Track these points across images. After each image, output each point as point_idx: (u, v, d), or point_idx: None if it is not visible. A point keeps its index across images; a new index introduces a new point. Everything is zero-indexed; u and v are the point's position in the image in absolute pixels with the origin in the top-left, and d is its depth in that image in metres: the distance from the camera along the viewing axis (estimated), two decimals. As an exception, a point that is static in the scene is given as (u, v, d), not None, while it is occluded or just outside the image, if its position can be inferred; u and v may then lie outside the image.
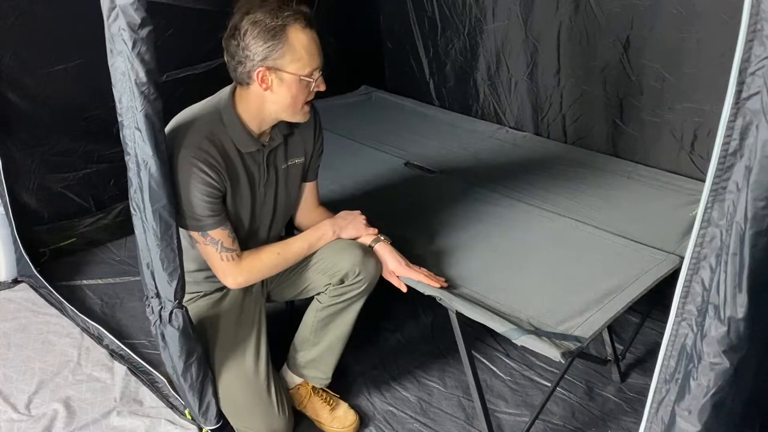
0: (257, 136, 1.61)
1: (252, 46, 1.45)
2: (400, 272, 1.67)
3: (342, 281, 1.71)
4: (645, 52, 2.31)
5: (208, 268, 1.68)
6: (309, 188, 1.83)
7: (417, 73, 3.24)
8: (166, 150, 1.44)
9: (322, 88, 1.56)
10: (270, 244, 1.71)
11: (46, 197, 2.57)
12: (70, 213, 2.67)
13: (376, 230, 1.75)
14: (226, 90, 1.60)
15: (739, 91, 0.89)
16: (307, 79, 1.51)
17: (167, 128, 1.51)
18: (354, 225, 1.74)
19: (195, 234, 1.57)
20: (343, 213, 1.77)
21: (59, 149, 2.56)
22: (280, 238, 1.82)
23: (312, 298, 1.83)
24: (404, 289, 1.67)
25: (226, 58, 1.52)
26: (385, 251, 1.71)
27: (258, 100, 1.54)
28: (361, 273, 1.69)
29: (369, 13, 3.37)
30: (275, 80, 1.49)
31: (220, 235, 1.57)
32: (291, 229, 1.98)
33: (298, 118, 1.59)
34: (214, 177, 1.52)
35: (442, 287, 1.62)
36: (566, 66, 2.57)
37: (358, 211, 1.77)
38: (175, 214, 1.48)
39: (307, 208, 1.84)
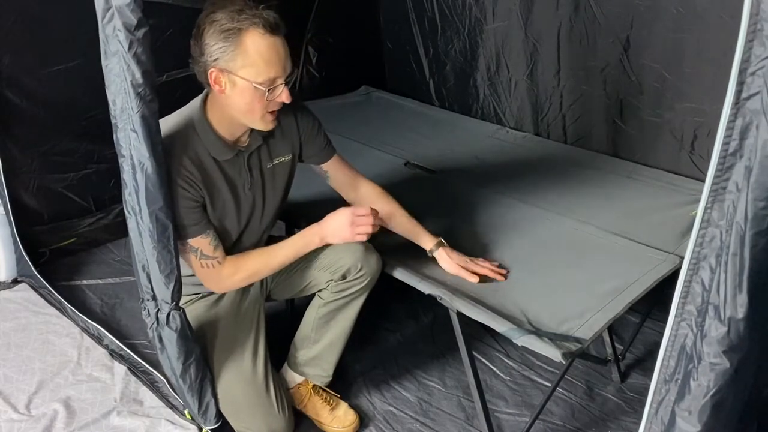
0: (232, 143, 1.59)
1: (206, 46, 1.42)
2: (468, 266, 1.68)
3: (344, 277, 1.71)
4: (645, 52, 2.31)
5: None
6: (333, 168, 1.80)
7: (417, 73, 3.24)
8: None
9: (285, 99, 1.49)
10: (255, 250, 1.68)
11: (46, 197, 2.57)
12: (70, 213, 2.67)
13: (364, 236, 1.62)
14: (197, 99, 1.58)
15: (739, 91, 0.89)
16: (261, 87, 1.44)
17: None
18: (340, 231, 1.63)
19: (179, 244, 1.54)
20: (330, 215, 1.65)
21: (59, 149, 2.56)
22: (270, 240, 1.81)
23: (312, 296, 1.83)
24: (476, 280, 1.67)
25: None
26: (444, 252, 1.72)
27: (219, 103, 1.52)
28: (364, 268, 1.69)
29: (369, 13, 3.37)
30: (228, 83, 1.45)
31: (200, 243, 1.56)
32: (291, 228, 1.99)
33: (258, 125, 1.54)
34: (188, 189, 1.51)
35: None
36: (566, 66, 2.57)
37: (349, 210, 1.63)
38: (172, 216, 1.48)
39: (348, 187, 1.82)
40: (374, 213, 1.63)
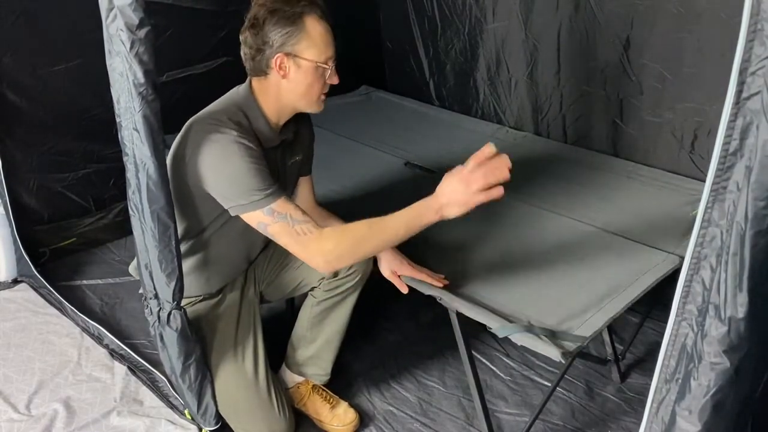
0: (277, 133, 1.60)
1: (270, 34, 1.47)
2: (401, 271, 1.65)
3: (336, 274, 1.72)
4: (645, 52, 2.31)
5: (208, 267, 1.68)
6: (306, 184, 1.83)
7: (417, 73, 3.24)
8: (203, 146, 1.44)
9: (335, 80, 1.56)
10: (358, 221, 1.48)
11: (46, 197, 2.57)
12: (70, 213, 2.67)
13: (483, 195, 1.38)
14: (240, 88, 1.59)
15: (739, 91, 0.89)
16: (323, 65, 1.51)
17: (188, 127, 1.51)
18: (456, 195, 1.39)
19: (261, 217, 1.43)
20: (442, 188, 1.41)
21: (59, 149, 2.56)
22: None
23: (306, 295, 1.83)
24: (405, 290, 1.65)
25: (243, 50, 1.53)
26: (387, 251, 1.70)
27: (276, 89, 1.54)
28: (355, 265, 1.69)
29: (369, 13, 3.37)
30: (292, 67, 1.50)
31: (285, 207, 1.44)
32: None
33: (314, 107, 1.59)
34: (255, 149, 1.48)
35: (443, 286, 1.62)
36: (566, 66, 2.57)
37: (456, 170, 1.40)
38: (174, 216, 1.47)
39: (306, 206, 1.83)
40: (492, 153, 1.39)
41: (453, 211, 1.41)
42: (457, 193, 1.38)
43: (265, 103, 1.56)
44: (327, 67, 1.52)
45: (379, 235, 1.45)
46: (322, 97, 1.57)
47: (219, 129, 1.45)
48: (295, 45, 1.48)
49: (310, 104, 1.58)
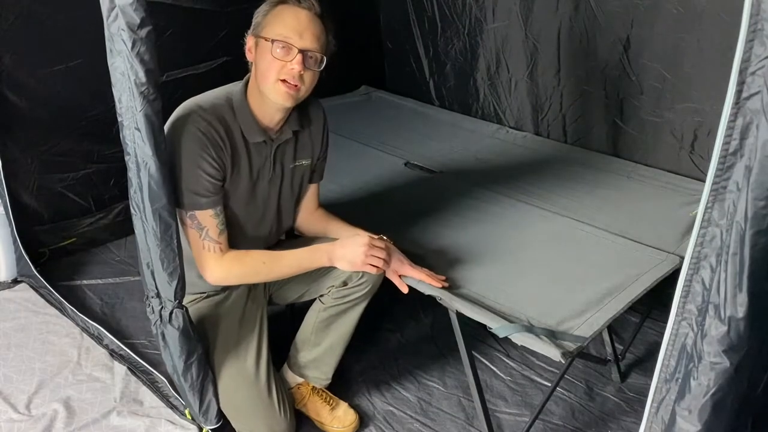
0: (265, 127, 1.59)
1: (253, 20, 1.54)
2: (402, 271, 1.65)
3: (345, 283, 1.71)
4: (645, 52, 2.31)
5: None
6: (312, 189, 1.82)
7: (417, 73, 3.24)
8: (171, 129, 1.47)
9: (296, 65, 1.47)
10: (259, 251, 1.65)
11: (46, 197, 2.57)
12: (70, 213, 2.67)
13: (374, 269, 1.61)
14: (239, 82, 1.61)
15: (739, 91, 0.89)
16: (268, 41, 1.47)
17: (175, 111, 1.53)
18: (352, 256, 1.60)
19: (183, 216, 1.53)
20: (345, 240, 1.64)
21: (59, 149, 2.55)
22: (279, 242, 1.81)
23: (314, 299, 1.83)
24: (405, 290, 1.65)
25: None
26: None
27: (254, 78, 1.55)
28: (365, 275, 1.69)
29: (369, 13, 3.38)
30: (254, 48, 1.54)
31: (208, 221, 1.54)
32: (292, 233, 1.98)
33: (272, 93, 1.51)
34: (214, 154, 1.50)
35: (443, 287, 1.62)
36: (566, 66, 2.58)
37: (367, 236, 1.62)
38: (175, 215, 1.48)
39: (307, 210, 1.83)
40: (390, 247, 1.65)
41: (342, 265, 1.63)
42: (356, 255, 1.59)
43: (252, 96, 1.57)
44: (278, 42, 1.46)
45: (270, 271, 1.64)
46: (281, 85, 1.49)
47: (195, 120, 1.49)
48: (258, 26, 1.52)
49: (269, 89, 1.51)
